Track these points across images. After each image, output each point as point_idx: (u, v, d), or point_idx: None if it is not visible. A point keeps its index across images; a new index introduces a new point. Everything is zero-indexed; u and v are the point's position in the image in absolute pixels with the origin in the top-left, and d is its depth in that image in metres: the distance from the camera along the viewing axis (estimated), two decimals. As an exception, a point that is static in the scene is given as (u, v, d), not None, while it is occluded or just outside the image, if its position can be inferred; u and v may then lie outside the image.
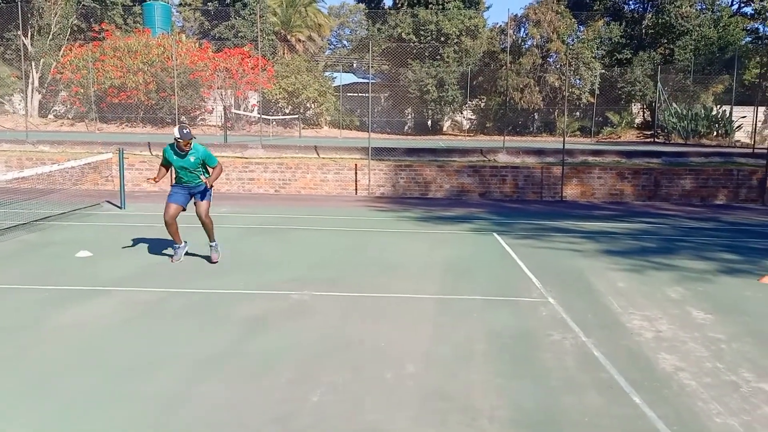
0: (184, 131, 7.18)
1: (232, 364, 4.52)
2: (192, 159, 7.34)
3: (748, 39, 37.10)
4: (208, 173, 7.56)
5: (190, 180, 7.46)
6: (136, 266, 7.36)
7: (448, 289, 6.72)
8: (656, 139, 30.16)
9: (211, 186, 7.50)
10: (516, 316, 5.77)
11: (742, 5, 38.24)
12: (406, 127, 36.16)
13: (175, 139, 7.21)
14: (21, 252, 8.04)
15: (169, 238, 7.67)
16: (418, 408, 3.89)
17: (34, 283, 6.54)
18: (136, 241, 8.81)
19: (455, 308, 6.00)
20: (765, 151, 16.46)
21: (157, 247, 8.42)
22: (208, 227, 7.55)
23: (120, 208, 11.86)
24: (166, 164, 7.57)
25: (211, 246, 7.65)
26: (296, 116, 31.00)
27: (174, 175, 7.68)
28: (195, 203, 7.58)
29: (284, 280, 6.83)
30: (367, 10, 41.33)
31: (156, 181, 7.50)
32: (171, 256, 7.71)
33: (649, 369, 4.57)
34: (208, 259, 7.65)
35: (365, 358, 4.68)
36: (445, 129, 36.09)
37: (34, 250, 8.18)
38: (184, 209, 7.55)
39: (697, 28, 33.73)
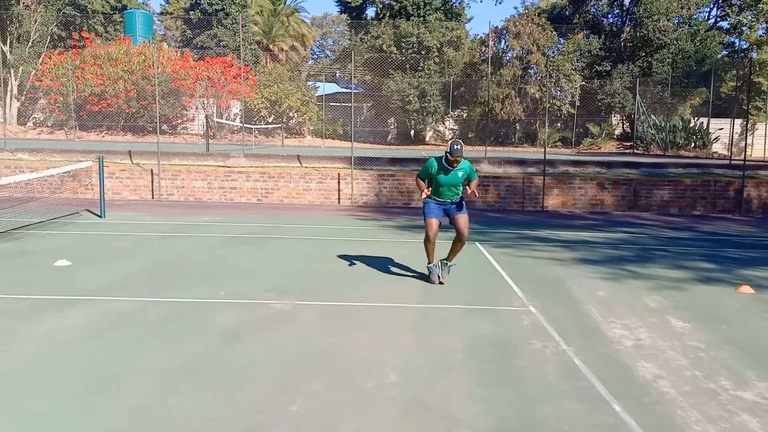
0: (456, 147, 6.69)
1: (209, 374, 4.46)
2: (459, 174, 6.94)
3: (725, 52, 37.77)
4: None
5: (448, 196, 7.07)
6: (114, 275, 7.26)
7: (429, 298, 6.71)
8: (635, 150, 30.52)
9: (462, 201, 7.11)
10: (497, 324, 5.78)
11: (719, 20, 38.95)
12: (389, 137, 36.24)
13: (446, 153, 6.78)
14: (-4, 261, 7.89)
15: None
16: (398, 417, 3.87)
17: (8, 292, 6.42)
18: (116, 250, 8.70)
19: (436, 317, 5.99)
20: (741, 162, 16.73)
21: (136, 255, 8.32)
22: (462, 246, 7.18)
23: (100, 216, 11.71)
24: (425, 177, 7.15)
25: (449, 266, 7.32)
26: (279, 125, 30.94)
27: (433, 190, 7.11)
28: (454, 219, 7.11)
29: (264, 290, 6.77)
30: (349, 21, 41.47)
31: (428, 194, 7.05)
32: (435, 280, 7.22)
33: (629, 377, 4.59)
34: (439, 277, 7.25)
35: (345, 367, 4.64)
36: (427, 139, 36.21)
37: (9, 258, 8.04)
38: (440, 224, 7.17)
39: (675, 42, 34.27)
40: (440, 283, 7.22)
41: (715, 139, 28.61)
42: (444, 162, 6.89)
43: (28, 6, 31.77)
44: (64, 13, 33.70)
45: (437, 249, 7.30)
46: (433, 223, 7.06)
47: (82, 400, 3.98)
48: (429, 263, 7.33)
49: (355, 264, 8.29)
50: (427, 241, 7.14)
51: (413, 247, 9.68)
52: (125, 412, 3.83)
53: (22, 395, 4.02)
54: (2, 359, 4.64)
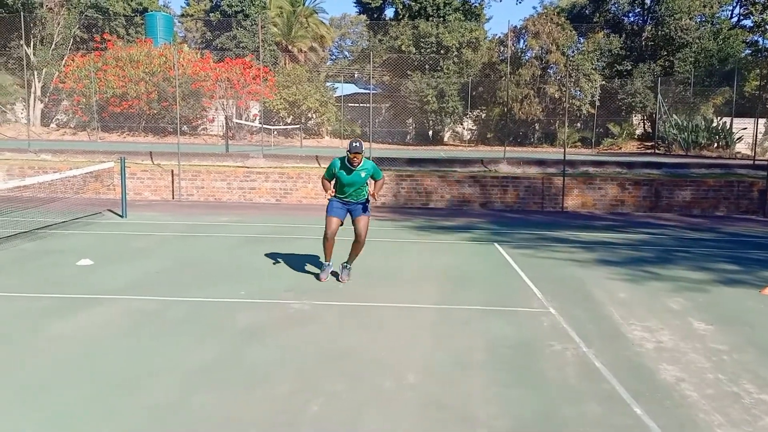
0: (355, 144, 6.81)
1: (230, 373, 4.50)
2: (362, 174, 6.99)
3: (748, 51, 37.22)
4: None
5: (351, 195, 7.08)
6: (136, 275, 7.35)
7: (449, 298, 6.70)
8: (657, 150, 30.19)
9: (367, 203, 7.15)
10: (516, 325, 5.75)
11: (742, 18, 38.39)
12: (408, 138, 36.22)
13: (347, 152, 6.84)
14: (20, 260, 8.02)
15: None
16: (417, 418, 3.87)
17: (32, 291, 6.52)
18: (137, 250, 8.80)
19: (455, 318, 5.98)
20: (765, 162, 16.47)
21: (157, 255, 8.41)
22: (360, 249, 7.20)
23: (121, 216, 11.85)
24: (330, 177, 7.17)
25: (345, 265, 7.32)
26: (297, 126, 31.07)
27: (338, 189, 7.14)
28: (354, 220, 7.14)
29: (283, 290, 6.81)
30: (368, 22, 41.52)
31: (333, 194, 7.11)
32: (321, 277, 7.27)
33: (650, 380, 4.54)
34: (337, 276, 7.29)
35: (364, 367, 4.65)
36: (446, 139, 36.13)
37: (33, 258, 8.17)
38: (342, 224, 7.19)
39: (697, 41, 33.85)
40: (326, 279, 7.23)
41: (738, 139, 28.19)
42: (346, 161, 6.94)
43: (51, 9, 32.23)
44: (86, 15, 34.15)
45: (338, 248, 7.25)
46: (333, 222, 7.07)
47: (105, 399, 4.03)
48: (324, 261, 7.33)
49: (372, 264, 8.30)
50: (325, 240, 7.13)
51: (431, 247, 9.68)
52: (147, 410, 3.88)
53: (45, 393, 4.09)
54: (27, 357, 4.72)
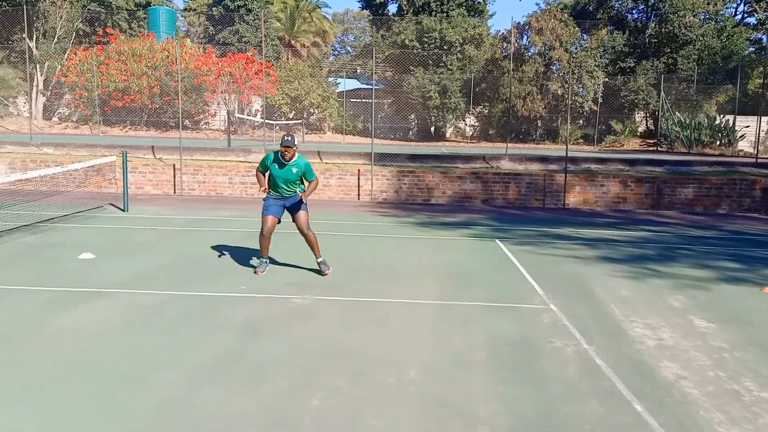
0: (287, 138, 6.90)
1: (232, 368, 4.50)
2: (294, 170, 7.04)
3: (752, 49, 37.12)
4: (304, 186, 7.24)
5: (285, 191, 7.15)
6: (137, 269, 7.36)
7: (450, 295, 6.70)
8: (659, 148, 30.15)
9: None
10: (517, 322, 5.75)
11: (746, 15, 38.28)
12: (410, 133, 36.20)
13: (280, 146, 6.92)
14: (22, 254, 8.04)
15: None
16: (418, 414, 3.87)
17: (34, 284, 6.53)
18: (139, 244, 8.81)
19: (456, 314, 5.98)
20: (768, 160, 16.44)
21: (159, 249, 8.42)
22: (311, 240, 7.23)
23: (123, 210, 11.86)
24: (263, 171, 7.25)
25: (318, 262, 7.32)
26: (299, 121, 31.05)
27: (270, 185, 7.24)
28: (293, 216, 7.24)
29: (285, 285, 6.82)
30: (371, 17, 41.44)
31: (267, 191, 7.20)
32: (255, 267, 7.38)
33: (651, 377, 4.54)
34: (319, 272, 7.31)
35: (365, 363, 4.66)
36: (448, 135, 36.11)
37: (35, 251, 8.18)
38: (279, 222, 7.28)
39: (701, 38, 33.75)
40: (262, 272, 7.25)
41: (741, 136, 28.15)
42: (279, 155, 6.99)
43: (54, 2, 32.23)
44: (89, 9, 34.13)
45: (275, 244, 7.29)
46: (269, 220, 7.14)
47: (107, 394, 4.04)
48: (261, 257, 7.37)
49: (374, 260, 8.30)
50: (261, 236, 7.20)
51: (433, 243, 9.68)
52: (150, 406, 3.89)
53: (47, 389, 4.09)
54: (28, 352, 4.73)
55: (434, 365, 4.67)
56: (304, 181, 7.22)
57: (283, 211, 7.26)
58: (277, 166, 7.05)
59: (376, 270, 7.72)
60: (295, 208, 7.22)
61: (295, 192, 7.15)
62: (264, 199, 7.29)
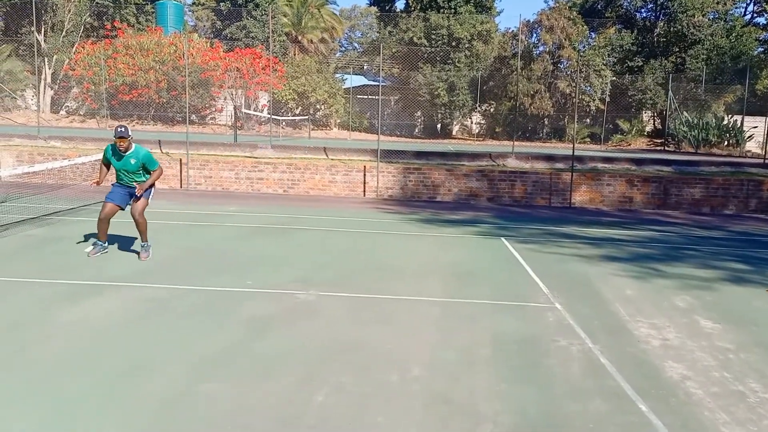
0: (119, 129, 7.10)
1: (237, 363, 4.52)
2: (132, 162, 7.28)
3: (761, 49, 36.92)
4: (149, 176, 7.46)
5: (129, 181, 7.44)
6: (143, 263, 7.38)
7: (454, 292, 6.70)
8: (666, 148, 30.05)
9: (148, 188, 7.42)
10: (522, 321, 5.75)
11: (755, 15, 38.07)
12: (416, 130, 36.17)
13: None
14: (29, 246, 8.07)
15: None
16: (422, 411, 3.88)
17: (40, 277, 6.57)
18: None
19: (461, 312, 5.98)
20: (776, 161, 16.36)
21: (165, 244, 8.44)
22: (141, 227, 7.46)
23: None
24: (106, 163, 7.55)
25: (142, 246, 7.58)
26: (306, 117, 31.07)
27: (115, 175, 7.58)
28: (131, 202, 7.51)
29: (290, 280, 6.83)
30: (378, 13, 41.39)
31: (98, 184, 7.61)
32: (88, 251, 7.58)
33: (656, 377, 4.54)
34: (138, 255, 7.58)
35: (370, 360, 4.67)
36: (454, 133, 36.08)
37: (43, 244, 8.22)
38: (122, 209, 7.50)
39: (710, 38, 33.60)
40: (95, 255, 7.48)
41: (749, 137, 28.01)
42: (116, 147, 7.19)
43: (62, -5, 32.31)
44: (97, 3, 34.21)
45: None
46: (107, 206, 7.39)
47: (113, 386, 4.06)
48: (98, 240, 7.60)
49: (379, 257, 8.31)
50: (99, 221, 7.46)
51: (438, 240, 9.68)
52: (155, 399, 3.91)
53: (53, 380, 4.12)
54: (34, 344, 4.76)
55: (438, 363, 4.67)
56: (149, 170, 7.43)
57: (128, 199, 7.54)
58: (115, 159, 7.31)
59: (381, 267, 7.72)
60: (135, 196, 7.47)
61: (138, 181, 7.40)
62: (111, 185, 7.62)
